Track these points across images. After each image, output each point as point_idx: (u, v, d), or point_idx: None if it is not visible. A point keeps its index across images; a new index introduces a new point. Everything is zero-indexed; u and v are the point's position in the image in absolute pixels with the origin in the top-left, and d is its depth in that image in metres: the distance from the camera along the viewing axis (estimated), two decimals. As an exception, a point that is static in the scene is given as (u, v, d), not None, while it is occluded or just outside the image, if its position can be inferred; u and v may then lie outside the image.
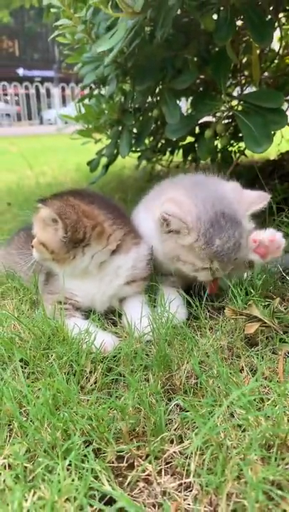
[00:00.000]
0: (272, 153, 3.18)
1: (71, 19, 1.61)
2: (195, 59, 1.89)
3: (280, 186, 2.03)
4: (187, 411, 0.78)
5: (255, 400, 0.80)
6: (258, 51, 1.72)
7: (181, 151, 2.84)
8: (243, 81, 2.37)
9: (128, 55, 1.75)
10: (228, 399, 0.73)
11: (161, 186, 1.32)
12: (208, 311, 1.16)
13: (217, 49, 1.72)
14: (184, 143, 2.55)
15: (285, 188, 2.08)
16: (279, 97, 1.55)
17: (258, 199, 1.11)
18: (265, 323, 1.00)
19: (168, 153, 2.88)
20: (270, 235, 1.10)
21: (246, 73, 2.23)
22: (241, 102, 1.60)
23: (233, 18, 1.45)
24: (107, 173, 3.48)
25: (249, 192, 1.15)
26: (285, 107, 1.83)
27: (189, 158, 2.94)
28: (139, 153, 2.90)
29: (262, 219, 1.71)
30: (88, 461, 0.67)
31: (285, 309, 1.12)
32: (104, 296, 1.14)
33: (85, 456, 0.69)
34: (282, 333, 0.99)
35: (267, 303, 1.08)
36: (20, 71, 20.89)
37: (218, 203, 1.05)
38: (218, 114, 1.74)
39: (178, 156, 2.98)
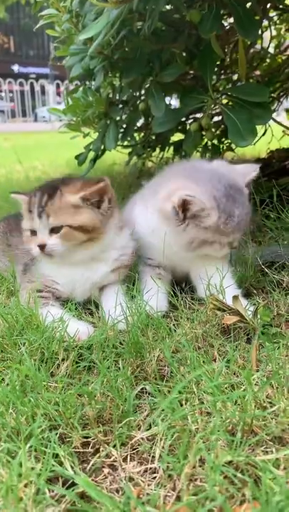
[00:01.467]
0: (262, 151, 3.19)
1: (57, 9, 1.59)
2: (183, 53, 1.89)
3: (266, 184, 2.04)
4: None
5: (226, 387, 0.79)
6: (245, 47, 1.72)
7: (171, 147, 2.85)
8: (235, 78, 2.38)
9: (115, 46, 1.74)
10: (198, 386, 0.73)
11: (155, 181, 1.30)
12: (189, 302, 1.15)
13: (205, 44, 1.72)
14: (175, 139, 2.55)
15: (272, 185, 2.09)
16: (264, 91, 1.55)
17: (251, 169, 1.20)
18: (245, 318, 1.00)
19: (158, 150, 2.88)
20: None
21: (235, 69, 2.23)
22: (227, 96, 1.60)
23: (219, 11, 1.44)
24: (97, 169, 3.47)
25: (239, 165, 1.22)
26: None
27: (180, 154, 2.95)
28: (130, 150, 2.90)
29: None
30: (52, 446, 0.66)
31: (263, 301, 1.12)
32: (87, 283, 1.13)
33: (50, 441, 0.68)
34: (260, 331, 0.99)
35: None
36: (16, 67, 20.79)
37: (220, 178, 1.09)
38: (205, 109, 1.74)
39: (168, 153, 2.99)
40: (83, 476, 0.64)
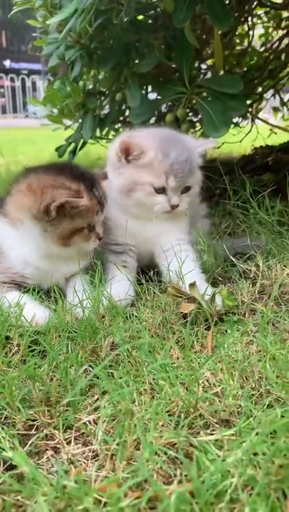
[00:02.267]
0: (248, 148, 3.20)
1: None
2: (162, 45, 1.88)
3: (249, 180, 2.04)
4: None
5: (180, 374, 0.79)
6: (220, 38, 1.71)
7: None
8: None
9: (92, 35, 1.73)
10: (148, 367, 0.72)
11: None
12: (152, 290, 1.14)
13: (181, 35, 1.71)
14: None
15: (254, 181, 2.09)
16: (238, 82, 1.54)
17: (206, 141, 1.28)
18: (202, 305, 0.99)
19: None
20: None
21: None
22: (202, 88, 1.60)
23: (192, 0, 1.43)
24: (81, 162, 3.44)
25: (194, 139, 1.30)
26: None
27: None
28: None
29: (223, 206, 1.72)
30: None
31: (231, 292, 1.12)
32: (58, 274, 1.11)
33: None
34: (217, 318, 0.98)
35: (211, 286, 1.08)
36: (7, 63, 20.60)
37: (169, 132, 1.22)
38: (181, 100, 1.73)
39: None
40: (20, 454, 0.62)
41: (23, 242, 1.06)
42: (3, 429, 0.68)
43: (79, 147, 2.24)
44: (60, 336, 0.89)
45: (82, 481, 0.53)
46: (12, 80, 14.27)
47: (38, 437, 0.68)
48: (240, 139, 2.73)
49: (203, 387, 0.73)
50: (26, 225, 1.04)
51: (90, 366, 0.80)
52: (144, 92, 2.10)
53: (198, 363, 0.81)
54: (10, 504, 0.55)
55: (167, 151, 1.10)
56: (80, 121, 2.07)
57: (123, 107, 2.27)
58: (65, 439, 0.68)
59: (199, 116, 2.55)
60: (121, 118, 2.51)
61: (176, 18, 1.42)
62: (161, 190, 1.12)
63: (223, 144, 2.81)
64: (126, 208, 1.17)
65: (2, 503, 0.58)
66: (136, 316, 0.99)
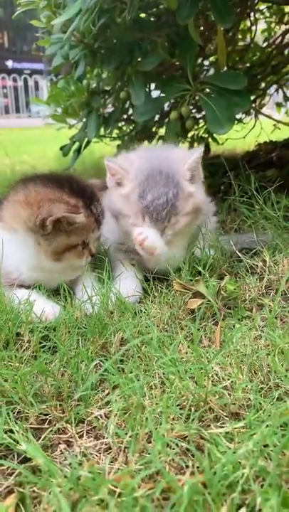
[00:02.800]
0: (252, 144, 3.20)
1: (36, -5, 1.59)
2: (165, 42, 1.88)
3: (254, 175, 2.04)
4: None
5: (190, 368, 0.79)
6: (223, 34, 1.71)
7: (160, 140, 2.84)
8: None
9: (96, 34, 1.73)
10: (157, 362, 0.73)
11: None
12: (159, 287, 1.15)
13: (185, 32, 1.71)
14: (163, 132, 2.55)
15: (259, 176, 2.09)
16: (242, 79, 1.55)
17: (190, 153, 1.15)
18: (209, 300, 1.00)
19: (147, 142, 2.88)
20: (135, 232, 1.05)
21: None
22: (206, 84, 1.60)
23: (196, -3, 1.44)
24: (86, 163, 3.46)
25: (180, 151, 1.23)
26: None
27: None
28: (119, 142, 2.89)
29: (228, 202, 1.72)
30: (4, 421, 0.66)
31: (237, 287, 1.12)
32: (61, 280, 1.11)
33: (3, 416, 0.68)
34: (224, 312, 0.99)
35: (218, 281, 1.08)
36: (10, 63, 20.64)
37: (158, 161, 1.12)
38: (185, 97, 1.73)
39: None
40: (34, 446, 0.63)
41: (16, 251, 1.04)
42: (16, 423, 0.69)
43: (83, 146, 2.25)
44: (69, 331, 0.91)
45: (97, 473, 0.54)
46: (14, 79, 14.30)
47: (51, 431, 0.69)
48: (244, 135, 2.73)
49: (212, 381, 0.74)
50: (20, 236, 1.02)
51: (101, 361, 0.81)
52: (147, 89, 2.11)
53: (207, 358, 0.82)
54: (26, 496, 0.56)
55: (145, 191, 1.05)
56: (84, 120, 2.08)
57: (126, 105, 2.28)
58: (77, 433, 0.69)
59: (203, 113, 2.56)
60: (124, 116, 2.52)
61: (179, 16, 1.43)
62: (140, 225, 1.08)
63: (226, 140, 2.81)
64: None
65: (18, 495, 0.59)
66: (144, 312, 1.00)
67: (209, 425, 0.68)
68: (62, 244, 1.01)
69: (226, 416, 0.69)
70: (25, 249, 1.03)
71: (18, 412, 0.72)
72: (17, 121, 12.34)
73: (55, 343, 0.87)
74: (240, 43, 2.58)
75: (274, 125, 3.12)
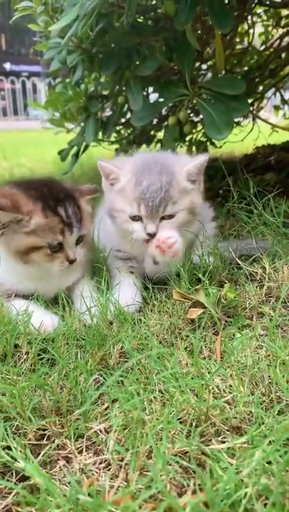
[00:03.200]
0: (250, 147, 3.20)
1: (32, 1, 1.58)
2: (163, 47, 1.87)
3: (252, 179, 2.03)
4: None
5: (187, 378, 0.78)
6: (222, 39, 1.71)
7: (158, 144, 2.83)
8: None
9: (93, 39, 1.73)
10: (157, 376, 0.72)
11: None
12: (159, 295, 1.14)
13: (183, 37, 1.71)
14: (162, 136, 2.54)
15: (257, 180, 2.08)
16: (240, 84, 1.54)
17: (193, 158, 1.17)
18: (209, 309, 0.99)
19: (145, 146, 2.87)
20: (163, 236, 1.06)
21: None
22: (204, 89, 1.59)
23: (194, 2, 1.43)
24: (84, 166, 3.44)
25: (184, 157, 1.23)
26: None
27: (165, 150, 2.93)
28: (117, 146, 2.89)
29: (227, 207, 1.71)
30: (2, 438, 0.65)
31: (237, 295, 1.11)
32: (57, 289, 1.10)
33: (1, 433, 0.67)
34: (224, 321, 0.98)
35: (217, 289, 1.07)
36: (7, 66, 20.62)
37: (154, 157, 1.18)
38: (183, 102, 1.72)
39: (156, 149, 2.97)
40: (33, 465, 0.62)
41: None
42: (14, 439, 0.68)
43: (81, 150, 2.24)
44: (68, 343, 0.89)
45: (96, 493, 0.53)
46: (12, 82, 14.29)
47: (50, 447, 0.68)
48: (242, 138, 2.72)
49: (213, 394, 0.73)
50: None
51: (100, 375, 0.80)
52: (145, 93, 2.10)
53: (207, 369, 0.81)
54: (24, 516, 0.55)
55: (140, 179, 1.07)
56: (82, 124, 2.07)
57: (124, 109, 2.27)
58: (77, 448, 0.68)
59: (201, 116, 2.55)
60: (122, 120, 2.52)
61: (177, 21, 1.42)
62: (137, 218, 1.09)
63: (224, 143, 2.81)
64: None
65: (16, 515, 0.58)
66: (144, 323, 0.99)
67: (210, 440, 0.67)
68: (21, 244, 1.01)
69: (227, 430, 0.68)
70: (1, 254, 1.04)
71: (16, 428, 0.71)
72: (15, 124, 12.33)
73: (54, 355, 0.86)
74: (238, 46, 2.58)
75: (272, 128, 3.12)
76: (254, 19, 2.47)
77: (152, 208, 1.06)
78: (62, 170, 2.87)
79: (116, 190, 1.13)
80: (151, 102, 1.92)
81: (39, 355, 0.87)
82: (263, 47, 2.70)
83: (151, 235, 1.07)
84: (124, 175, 1.12)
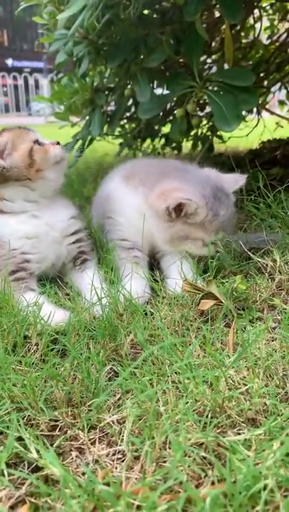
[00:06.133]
0: (255, 142, 3.18)
1: (39, -9, 1.56)
2: (170, 39, 1.85)
3: (258, 174, 2.02)
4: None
5: (200, 369, 0.77)
6: (231, 30, 1.68)
7: (162, 138, 2.82)
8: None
9: (100, 31, 1.71)
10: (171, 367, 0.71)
11: (146, 170, 1.32)
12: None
13: (190, 28, 1.69)
14: (167, 131, 2.52)
15: (264, 174, 2.06)
16: (249, 75, 1.52)
17: (239, 178, 1.24)
18: (222, 301, 0.98)
19: (149, 141, 2.86)
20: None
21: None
22: (213, 81, 1.57)
23: (203, -8, 1.41)
24: (88, 160, 3.43)
25: (227, 175, 1.27)
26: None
27: (170, 145, 2.92)
28: (121, 140, 2.87)
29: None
30: (15, 428, 0.64)
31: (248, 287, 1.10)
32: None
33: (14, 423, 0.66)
34: (236, 313, 0.97)
35: (228, 281, 1.06)
36: (9, 61, 20.56)
37: (208, 181, 1.17)
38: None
39: (159, 144, 2.96)
40: (50, 453, 0.61)
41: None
42: (26, 429, 0.67)
43: (86, 144, 2.22)
44: (78, 334, 0.88)
45: (113, 484, 0.52)
46: (15, 78, 14.24)
47: (64, 438, 0.67)
48: (247, 133, 2.70)
49: (227, 386, 0.72)
50: None
51: (113, 366, 0.79)
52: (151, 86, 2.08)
53: (220, 361, 0.79)
54: (39, 507, 0.54)
55: (217, 211, 1.13)
56: (88, 117, 2.06)
57: (129, 103, 2.25)
58: (89, 440, 0.67)
59: (206, 111, 2.53)
60: (127, 114, 2.50)
61: (187, 11, 1.40)
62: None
63: (229, 138, 2.79)
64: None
65: (30, 505, 0.57)
66: (154, 314, 0.98)
67: (226, 431, 0.65)
68: None
69: (242, 422, 0.67)
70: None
71: (27, 419, 0.70)
72: (17, 120, 12.28)
73: (64, 346, 0.85)
74: (243, 41, 2.56)
75: (277, 123, 3.10)
76: (261, 12, 2.45)
77: (226, 232, 1.16)
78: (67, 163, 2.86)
79: (190, 222, 1.12)
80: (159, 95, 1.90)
81: (48, 346, 0.86)
82: (269, 41, 2.68)
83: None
84: (202, 208, 1.11)
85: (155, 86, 2.23)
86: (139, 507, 0.51)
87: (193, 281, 1.04)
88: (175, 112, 2.40)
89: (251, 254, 1.20)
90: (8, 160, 1.09)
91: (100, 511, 0.51)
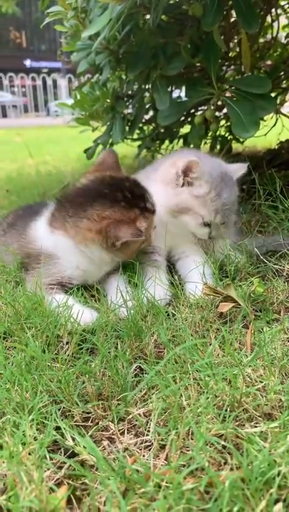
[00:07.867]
0: (273, 142, 3.18)
1: (63, 6, 1.63)
2: (188, 46, 1.90)
3: (276, 174, 2.04)
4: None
5: (220, 368, 0.83)
6: (248, 38, 1.72)
7: (180, 139, 2.86)
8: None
9: (120, 41, 1.77)
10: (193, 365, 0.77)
11: (158, 161, 1.45)
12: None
13: (208, 36, 1.73)
14: (185, 131, 2.57)
15: (282, 176, 2.09)
16: (266, 82, 1.56)
17: (241, 167, 1.32)
18: (240, 304, 1.04)
19: (168, 142, 2.91)
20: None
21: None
22: (230, 88, 1.62)
23: (221, 3, 1.46)
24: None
25: (231, 164, 1.35)
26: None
27: (188, 146, 2.96)
28: (140, 142, 2.93)
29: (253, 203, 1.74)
30: (53, 419, 0.72)
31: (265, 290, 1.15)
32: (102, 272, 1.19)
33: (52, 415, 0.73)
34: (253, 314, 1.02)
35: (246, 284, 1.11)
36: (28, 62, 20.87)
37: (219, 167, 1.26)
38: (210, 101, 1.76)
39: (177, 145, 3.01)
40: (86, 439, 0.68)
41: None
42: (62, 420, 0.74)
43: (106, 148, 2.30)
44: (106, 334, 0.96)
45: (143, 466, 0.59)
46: (33, 79, 14.47)
47: (96, 428, 0.74)
48: (265, 133, 2.72)
49: (245, 383, 0.78)
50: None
51: (140, 364, 0.86)
52: (169, 90, 2.13)
53: (239, 360, 0.85)
54: (77, 488, 0.61)
55: (220, 192, 1.18)
56: (109, 123, 2.13)
57: (147, 106, 2.31)
58: (119, 430, 0.74)
59: (223, 112, 2.56)
60: (146, 117, 2.55)
61: (205, 22, 1.45)
62: (207, 223, 1.21)
63: (239, 138, 2.81)
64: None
65: (68, 487, 0.64)
66: (176, 316, 1.04)
67: (244, 424, 0.71)
68: None
69: (259, 416, 0.73)
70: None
71: (63, 411, 0.77)
72: (37, 120, 12.49)
73: (93, 344, 0.92)
74: (261, 40, 2.57)
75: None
76: (278, 11, 2.46)
77: (226, 217, 1.21)
78: (87, 167, 2.94)
79: (194, 193, 1.19)
80: (175, 99, 1.95)
81: (79, 345, 0.94)
82: (287, 40, 2.69)
83: (212, 237, 1.24)
84: (206, 182, 1.18)
85: (173, 88, 2.29)
86: (165, 488, 0.58)
87: (213, 286, 1.09)
88: (194, 114, 2.45)
89: (266, 258, 1.25)
90: None
91: (131, 492, 0.58)
